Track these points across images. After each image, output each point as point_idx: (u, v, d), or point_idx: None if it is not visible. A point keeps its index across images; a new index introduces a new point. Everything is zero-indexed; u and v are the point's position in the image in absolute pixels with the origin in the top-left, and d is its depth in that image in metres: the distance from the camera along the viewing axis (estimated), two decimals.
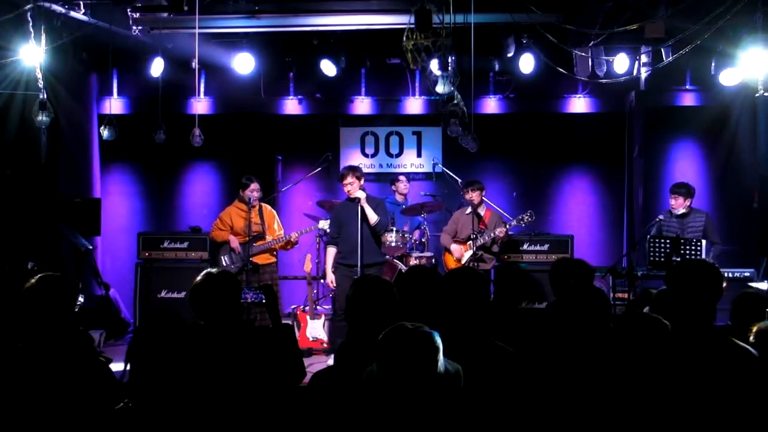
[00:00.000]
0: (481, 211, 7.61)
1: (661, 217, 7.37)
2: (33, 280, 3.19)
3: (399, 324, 2.41)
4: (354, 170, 6.89)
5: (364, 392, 2.39)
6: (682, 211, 7.26)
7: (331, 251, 7.05)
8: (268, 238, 7.35)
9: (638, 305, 4.36)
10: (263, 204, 7.52)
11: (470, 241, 7.43)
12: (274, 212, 7.62)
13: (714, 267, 2.94)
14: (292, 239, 7.41)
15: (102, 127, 7.46)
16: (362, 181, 6.89)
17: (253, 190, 7.29)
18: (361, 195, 6.76)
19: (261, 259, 7.34)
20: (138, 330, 2.69)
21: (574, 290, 3.96)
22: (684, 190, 7.28)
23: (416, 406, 2.31)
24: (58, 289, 3.19)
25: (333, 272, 6.98)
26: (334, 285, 6.96)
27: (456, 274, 3.32)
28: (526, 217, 7.38)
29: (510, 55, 8.14)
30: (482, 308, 3.11)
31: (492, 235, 7.36)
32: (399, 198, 8.62)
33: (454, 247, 7.57)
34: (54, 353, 3.01)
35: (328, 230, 7.35)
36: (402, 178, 8.69)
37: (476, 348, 2.98)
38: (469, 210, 7.60)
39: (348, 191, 6.83)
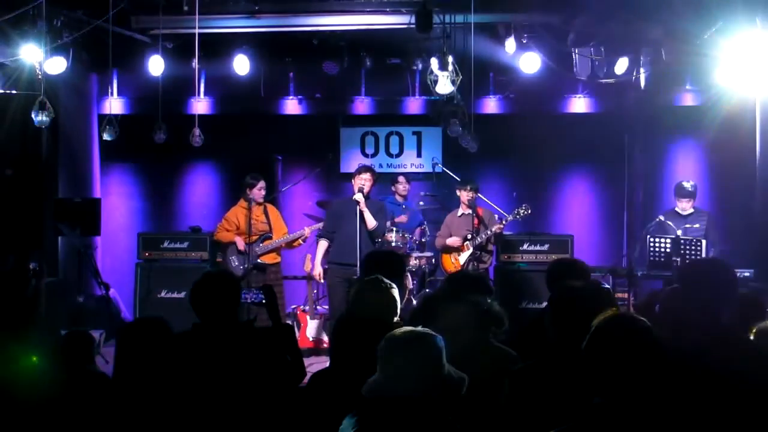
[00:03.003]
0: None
1: (662, 216, 7.35)
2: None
3: (401, 326, 2.41)
4: (374, 171, 6.95)
5: (364, 394, 2.38)
6: (688, 211, 7.26)
7: (323, 244, 7.02)
8: (275, 237, 7.36)
9: (645, 308, 4.35)
10: (267, 204, 7.53)
11: (467, 242, 7.41)
12: (278, 212, 7.64)
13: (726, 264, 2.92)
14: (306, 234, 7.42)
15: (102, 127, 7.45)
16: (373, 184, 6.90)
17: (261, 189, 7.34)
18: (360, 199, 6.75)
19: (268, 259, 7.36)
20: (123, 335, 2.67)
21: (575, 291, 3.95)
22: (693, 191, 7.27)
23: (418, 408, 2.31)
24: None
25: (323, 266, 6.98)
26: (322, 279, 6.96)
27: (457, 276, 3.32)
28: (522, 211, 7.34)
29: (510, 54, 8.13)
30: (482, 308, 3.11)
31: (489, 231, 7.35)
32: (399, 198, 8.60)
33: (450, 239, 7.53)
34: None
35: None
36: (401, 179, 8.62)
37: (476, 349, 2.98)
38: (461, 212, 7.59)
39: (362, 185, 6.79)
